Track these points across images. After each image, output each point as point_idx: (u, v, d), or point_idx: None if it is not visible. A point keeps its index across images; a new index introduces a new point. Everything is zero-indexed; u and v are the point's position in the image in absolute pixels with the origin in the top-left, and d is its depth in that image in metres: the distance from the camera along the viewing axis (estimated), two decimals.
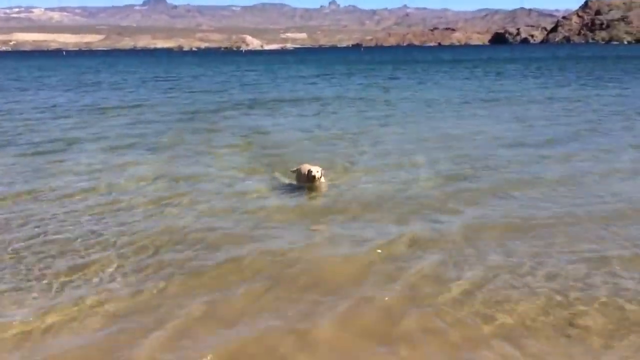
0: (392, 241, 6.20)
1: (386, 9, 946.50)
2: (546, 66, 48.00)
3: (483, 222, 6.83)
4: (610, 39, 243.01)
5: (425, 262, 5.60)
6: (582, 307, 4.65)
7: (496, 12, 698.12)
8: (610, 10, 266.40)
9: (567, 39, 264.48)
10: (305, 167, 8.66)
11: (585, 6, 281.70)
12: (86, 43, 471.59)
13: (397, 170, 9.73)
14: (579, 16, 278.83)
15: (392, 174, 9.47)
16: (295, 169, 8.95)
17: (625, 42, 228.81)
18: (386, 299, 4.86)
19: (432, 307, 4.69)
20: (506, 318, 4.50)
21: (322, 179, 8.51)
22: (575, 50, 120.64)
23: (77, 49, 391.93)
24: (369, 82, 33.49)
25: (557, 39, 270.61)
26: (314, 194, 8.30)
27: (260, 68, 54.86)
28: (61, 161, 10.70)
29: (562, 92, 23.73)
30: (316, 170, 8.42)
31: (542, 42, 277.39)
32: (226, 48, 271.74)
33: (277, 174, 9.40)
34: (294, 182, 8.79)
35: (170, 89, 29.52)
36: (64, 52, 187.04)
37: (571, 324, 4.42)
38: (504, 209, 7.37)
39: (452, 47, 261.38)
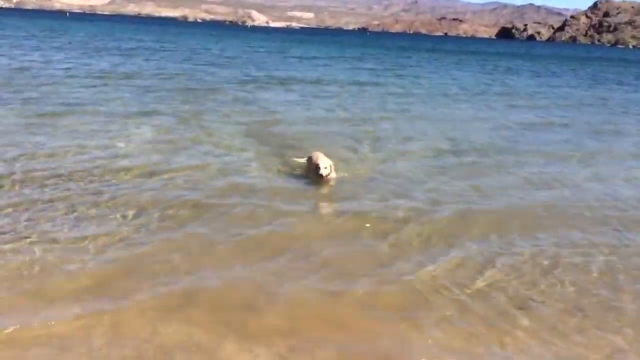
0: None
1: None
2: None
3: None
4: (616, 42, 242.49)
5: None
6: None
7: (505, 6, 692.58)
8: (619, 13, 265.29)
9: (574, 39, 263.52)
10: (316, 158, 7.96)
11: (594, 7, 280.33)
12: (90, 6, 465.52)
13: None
14: (587, 17, 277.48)
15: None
16: (304, 158, 8.41)
17: (631, 47, 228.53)
18: None
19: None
20: (481, 283, 5.20)
21: (333, 174, 7.90)
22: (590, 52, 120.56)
23: (80, 11, 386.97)
24: (383, 67, 33.83)
25: (563, 38, 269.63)
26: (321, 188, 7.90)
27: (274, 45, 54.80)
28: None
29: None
30: (324, 167, 7.71)
31: (548, 40, 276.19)
32: (231, 22, 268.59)
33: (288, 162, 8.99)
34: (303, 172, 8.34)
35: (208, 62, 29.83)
36: (68, 14, 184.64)
37: None
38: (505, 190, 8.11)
39: (458, 38, 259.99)
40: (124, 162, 8.41)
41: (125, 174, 7.80)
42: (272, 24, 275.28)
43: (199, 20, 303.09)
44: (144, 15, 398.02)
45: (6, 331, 3.89)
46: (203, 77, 21.38)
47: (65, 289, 4.59)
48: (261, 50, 45.30)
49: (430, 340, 4.16)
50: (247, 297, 4.64)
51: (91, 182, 7.37)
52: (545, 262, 5.65)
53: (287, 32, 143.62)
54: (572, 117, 16.76)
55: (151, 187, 7.30)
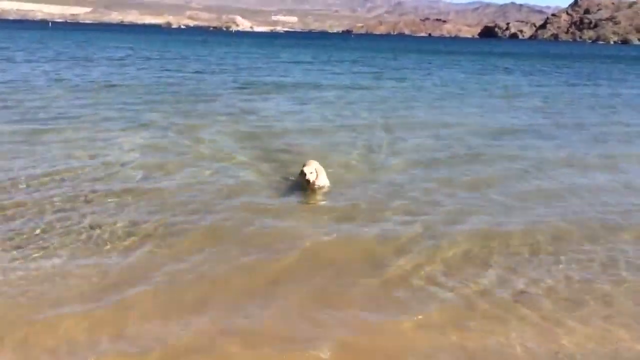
0: None
1: None
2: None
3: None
4: (598, 39, 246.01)
5: None
6: None
7: (487, 5, 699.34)
8: (599, 9, 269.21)
9: (556, 37, 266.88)
10: (305, 164, 7.83)
11: (574, 4, 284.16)
12: (72, 15, 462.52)
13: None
14: (568, 14, 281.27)
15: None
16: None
17: (612, 42, 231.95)
18: None
19: None
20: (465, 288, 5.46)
21: (321, 182, 7.72)
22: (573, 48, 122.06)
23: (62, 20, 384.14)
24: (376, 70, 34.20)
25: (545, 36, 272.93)
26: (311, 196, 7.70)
27: (261, 52, 54.98)
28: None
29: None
30: (309, 172, 7.50)
31: (530, 38, 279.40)
32: (215, 27, 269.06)
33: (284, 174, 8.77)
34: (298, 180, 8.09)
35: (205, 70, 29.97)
36: (50, 24, 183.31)
37: None
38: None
39: (442, 38, 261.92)
40: (119, 170, 8.64)
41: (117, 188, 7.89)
42: (257, 29, 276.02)
43: (182, 27, 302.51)
44: (128, 23, 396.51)
45: None
46: (197, 84, 21.49)
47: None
48: (252, 55, 45.47)
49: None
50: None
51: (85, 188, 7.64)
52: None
53: (273, 37, 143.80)
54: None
55: (131, 203, 7.19)
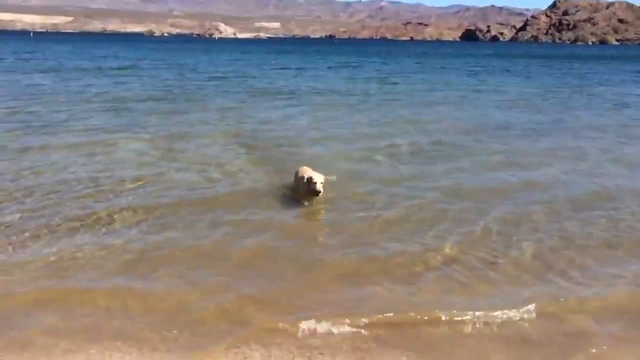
0: None
1: (360, 1, 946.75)
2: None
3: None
4: (576, 39, 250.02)
5: None
6: None
7: (468, 8, 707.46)
8: (577, 11, 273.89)
9: (535, 38, 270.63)
10: (305, 172, 7.53)
11: (553, 6, 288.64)
12: (53, 25, 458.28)
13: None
14: (547, 16, 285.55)
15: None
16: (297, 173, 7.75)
17: (590, 43, 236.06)
18: None
19: None
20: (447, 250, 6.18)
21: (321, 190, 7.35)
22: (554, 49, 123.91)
23: (44, 30, 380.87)
24: (368, 75, 34.35)
25: (525, 38, 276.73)
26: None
27: (251, 57, 55.25)
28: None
29: None
30: (320, 182, 7.23)
31: (511, 40, 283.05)
32: (198, 35, 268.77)
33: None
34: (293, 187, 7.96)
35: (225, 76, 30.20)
36: (32, 34, 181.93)
37: None
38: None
39: (424, 41, 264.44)
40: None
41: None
42: (240, 35, 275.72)
43: (165, 35, 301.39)
44: (110, 32, 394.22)
45: None
46: (195, 93, 21.59)
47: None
48: (243, 62, 45.78)
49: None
50: None
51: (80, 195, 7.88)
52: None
53: (258, 43, 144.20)
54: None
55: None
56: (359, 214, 7.26)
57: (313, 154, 10.68)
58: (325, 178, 7.36)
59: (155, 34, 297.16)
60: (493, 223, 6.97)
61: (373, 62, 51.82)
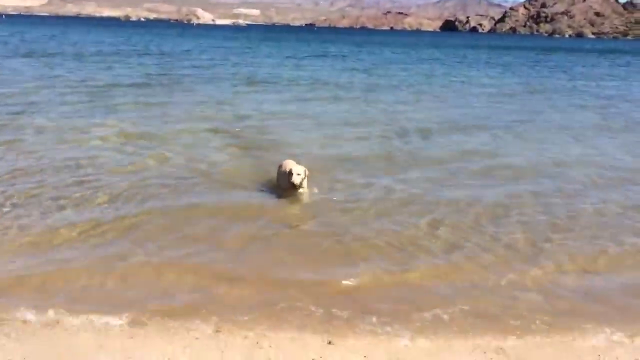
0: None
1: None
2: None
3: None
4: (554, 32, 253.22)
5: None
6: None
7: None
8: (555, 3, 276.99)
9: (514, 30, 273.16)
10: (287, 165, 7.20)
11: None
12: (26, 7, 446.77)
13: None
14: (525, 8, 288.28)
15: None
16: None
17: (567, 36, 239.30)
18: None
19: None
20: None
21: (304, 188, 7.13)
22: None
23: (16, 12, 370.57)
24: (362, 66, 33.59)
25: (504, 29, 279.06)
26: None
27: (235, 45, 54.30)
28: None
29: None
30: (297, 173, 6.85)
31: (489, 31, 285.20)
32: (176, 20, 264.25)
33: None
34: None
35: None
36: (4, 16, 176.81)
37: None
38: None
39: (404, 31, 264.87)
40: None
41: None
42: (219, 22, 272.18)
43: (142, 20, 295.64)
44: (85, 16, 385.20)
45: None
46: (179, 81, 20.77)
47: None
48: (227, 47, 45.01)
49: None
50: None
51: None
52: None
53: (238, 30, 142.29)
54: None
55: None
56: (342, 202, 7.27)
57: (296, 142, 10.62)
58: (306, 171, 7.08)
59: (132, 19, 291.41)
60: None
61: (355, 51, 51.38)
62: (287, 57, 38.69)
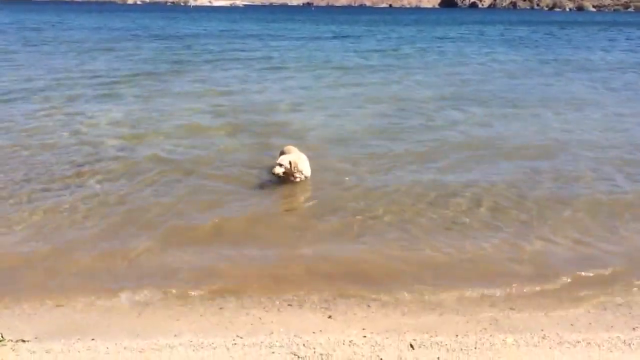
0: None
1: None
2: None
3: None
4: (554, 6, 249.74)
5: None
6: None
7: None
8: None
9: (514, 5, 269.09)
10: (281, 152, 7.33)
11: None
12: None
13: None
14: None
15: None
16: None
17: (567, 9, 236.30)
18: None
19: None
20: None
21: (301, 175, 7.05)
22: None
23: None
24: (382, 46, 33.11)
25: (504, 4, 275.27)
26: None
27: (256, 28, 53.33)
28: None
29: None
30: (279, 164, 6.81)
31: (489, 7, 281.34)
32: (173, 3, 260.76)
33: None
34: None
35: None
36: None
37: None
38: None
39: (403, 9, 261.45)
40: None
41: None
42: (215, 3, 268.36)
43: (138, 3, 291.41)
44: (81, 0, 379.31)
45: None
46: (188, 64, 20.45)
47: None
48: (232, 32, 44.20)
49: None
50: None
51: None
52: None
53: (239, 11, 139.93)
54: None
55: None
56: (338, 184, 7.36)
57: (299, 127, 10.59)
58: (291, 161, 6.89)
59: (128, 2, 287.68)
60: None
61: (374, 31, 49.01)
62: (301, 38, 37.68)
